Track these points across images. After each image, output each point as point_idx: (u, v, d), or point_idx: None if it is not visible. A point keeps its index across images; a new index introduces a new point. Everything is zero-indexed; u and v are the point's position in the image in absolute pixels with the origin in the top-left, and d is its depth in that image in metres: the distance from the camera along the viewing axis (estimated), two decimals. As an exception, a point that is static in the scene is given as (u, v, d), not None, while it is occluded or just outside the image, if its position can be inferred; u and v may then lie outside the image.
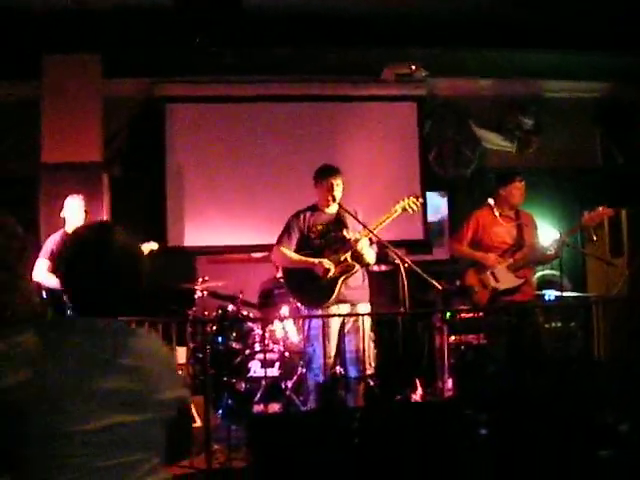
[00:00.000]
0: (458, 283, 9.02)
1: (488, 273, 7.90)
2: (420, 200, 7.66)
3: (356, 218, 7.35)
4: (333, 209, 7.48)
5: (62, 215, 7.99)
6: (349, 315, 7.31)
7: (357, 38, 9.07)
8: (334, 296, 7.21)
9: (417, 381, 8.23)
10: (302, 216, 7.47)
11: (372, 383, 7.86)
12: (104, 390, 2.61)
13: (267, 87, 10.75)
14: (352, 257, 7.25)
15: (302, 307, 7.60)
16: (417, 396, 8.09)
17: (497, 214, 7.99)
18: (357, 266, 7.27)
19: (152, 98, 10.55)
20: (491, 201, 8.05)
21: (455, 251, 8.35)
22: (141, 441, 2.68)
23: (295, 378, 8.06)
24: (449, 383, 8.39)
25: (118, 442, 2.61)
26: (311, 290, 7.30)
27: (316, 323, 7.23)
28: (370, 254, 7.35)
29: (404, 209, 7.44)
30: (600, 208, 7.98)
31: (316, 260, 7.24)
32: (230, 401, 8.06)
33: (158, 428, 2.74)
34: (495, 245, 8.01)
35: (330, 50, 9.55)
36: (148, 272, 2.89)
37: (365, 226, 7.27)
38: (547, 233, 8.44)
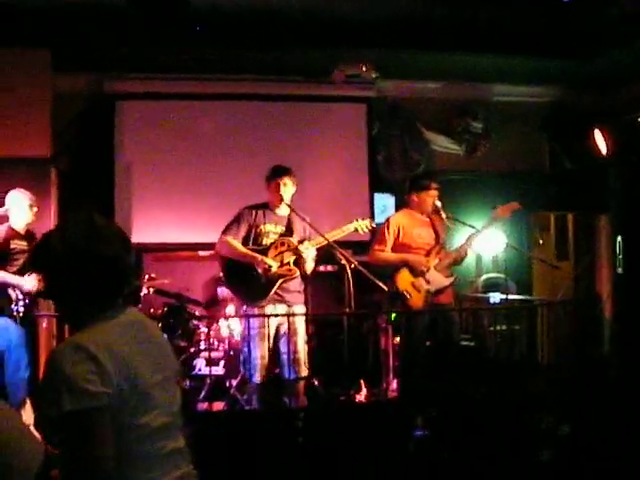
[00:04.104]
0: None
1: (420, 277, 7.90)
2: (372, 224, 7.80)
3: (309, 224, 7.47)
4: (284, 211, 7.51)
5: (4, 210, 7.88)
6: (291, 315, 7.33)
7: (308, 38, 9.08)
8: (269, 295, 7.24)
9: (362, 382, 8.25)
10: (254, 211, 7.47)
11: (317, 383, 7.91)
12: None
13: (217, 85, 10.70)
14: (295, 262, 7.31)
15: (241, 304, 7.64)
16: (362, 397, 8.12)
17: (415, 215, 8.05)
18: (296, 272, 7.32)
19: (102, 94, 10.45)
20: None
21: (378, 257, 8.03)
22: None
23: (239, 377, 8.06)
24: (393, 384, 8.43)
25: None
26: (248, 286, 7.32)
27: (254, 323, 7.26)
28: (310, 265, 7.43)
29: (355, 229, 7.60)
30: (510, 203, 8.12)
31: (259, 256, 7.26)
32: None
33: None
34: (419, 246, 7.98)
35: (282, 50, 9.55)
36: None
37: (320, 233, 7.37)
38: (495, 237, 8.56)
